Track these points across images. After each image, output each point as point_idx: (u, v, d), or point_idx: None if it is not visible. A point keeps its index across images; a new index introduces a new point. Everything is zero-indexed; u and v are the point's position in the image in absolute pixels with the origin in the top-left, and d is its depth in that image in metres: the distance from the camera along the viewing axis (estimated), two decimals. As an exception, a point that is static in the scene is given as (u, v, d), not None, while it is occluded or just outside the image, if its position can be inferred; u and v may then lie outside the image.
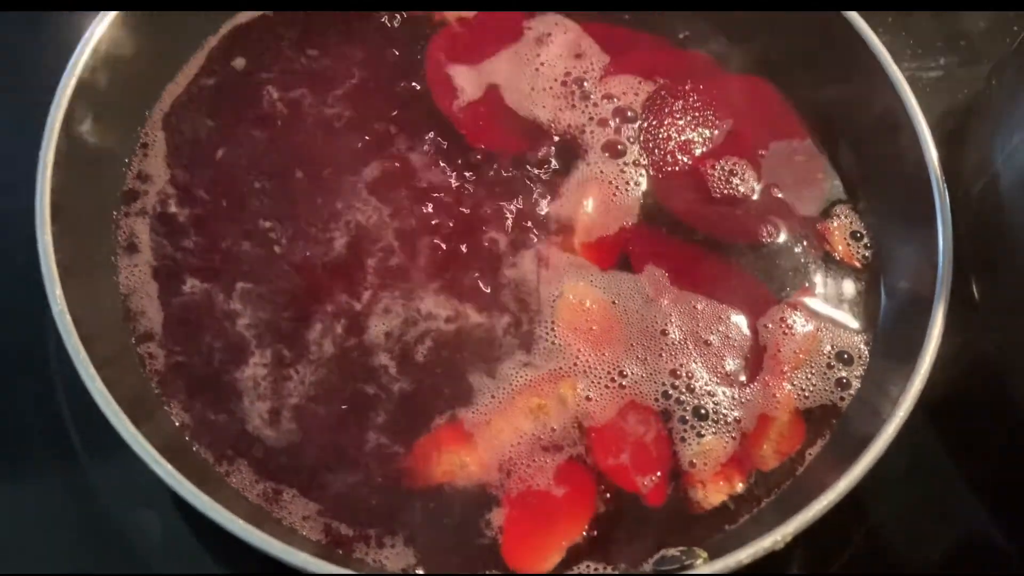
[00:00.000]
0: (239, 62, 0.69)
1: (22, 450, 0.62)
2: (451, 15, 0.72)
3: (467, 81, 0.69)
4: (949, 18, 0.81)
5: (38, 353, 0.63)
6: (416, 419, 0.58)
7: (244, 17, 0.70)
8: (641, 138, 0.68)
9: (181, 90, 0.67)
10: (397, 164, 0.66)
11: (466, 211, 0.64)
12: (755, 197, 0.67)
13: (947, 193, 0.60)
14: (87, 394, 0.52)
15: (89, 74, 0.60)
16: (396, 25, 0.71)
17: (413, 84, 0.69)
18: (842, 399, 0.61)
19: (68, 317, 0.53)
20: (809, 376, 0.61)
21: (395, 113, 0.68)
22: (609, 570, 0.54)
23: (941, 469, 0.66)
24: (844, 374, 0.61)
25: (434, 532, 0.55)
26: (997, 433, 0.66)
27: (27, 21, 0.74)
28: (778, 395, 0.60)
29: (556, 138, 0.67)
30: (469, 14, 0.72)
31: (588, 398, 0.59)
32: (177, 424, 0.57)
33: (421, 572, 0.54)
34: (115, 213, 0.63)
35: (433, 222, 0.64)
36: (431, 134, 0.67)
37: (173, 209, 0.63)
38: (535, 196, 0.65)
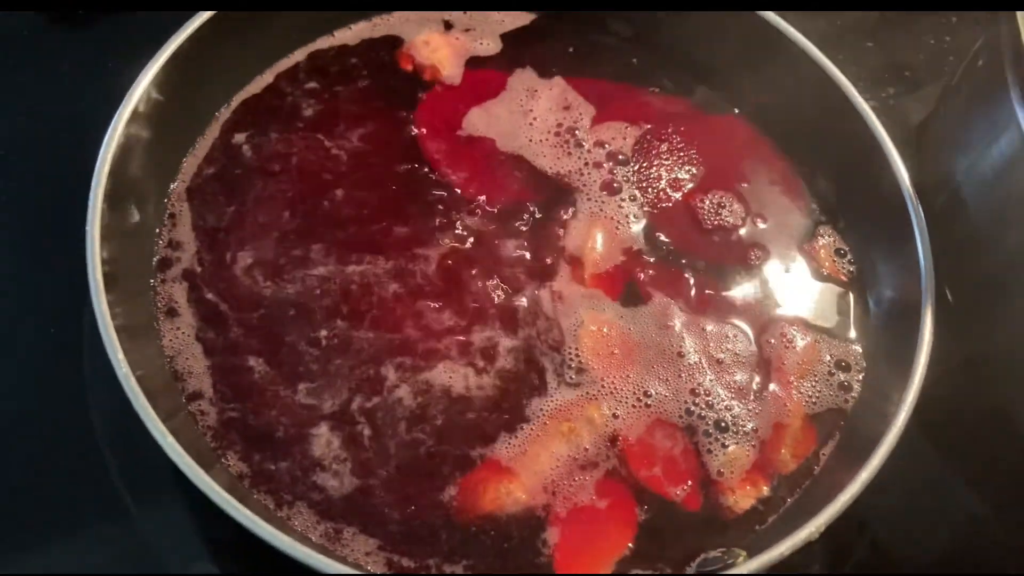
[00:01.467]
0: (241, 137, 0.73)
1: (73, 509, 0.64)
2: (438, 76, 0.77)
3: (461, 139, 0.74)
4: (893, 52, 0.89)
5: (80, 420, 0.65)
6: (460, 456, 0.62)
7: (254, 88, 0.75)
8: (634, 178, 0.73)
9: (200, 162, 0.71)
10: (405, 229, 0.70)
11: (484, 259, 0.69)
12: (744, 225, 0.73)
13: (921, 208, 0.66)
14: (138, 454, 0.54)
15: (120, 155, 0.63)
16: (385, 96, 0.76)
17: (409, 151, 0.73)
18: (846, 402, 0.66)
19: (132, 379, 0.55)
20: (814, 384, 0.66)
21: (399, 171, 0.72)
22: (661, 569, 0.59)
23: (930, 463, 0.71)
24: (845, 379, 0.67)
25: (491, 557, 0.59)
26: (983, 431, 0.71)
27: (63, 118, 0.78)
28: (788, 404, 0.65)
29: (557, 183, 0.72)
30: (455, 77, 0.77)
31: (616, 415, 0.63)
32: (235, 474, 0.60)
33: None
34: (152, 281, 0.66)
35: (456, 274, 0.68)
36: (437, 194, 0.72)
37: (204, 273, 0.67)
38: (544, 237, 0.70)
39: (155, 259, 0.67)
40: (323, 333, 0.65)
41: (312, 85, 0.76)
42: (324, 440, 0.61)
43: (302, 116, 0.74)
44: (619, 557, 0.59)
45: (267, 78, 0.76)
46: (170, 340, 0.64)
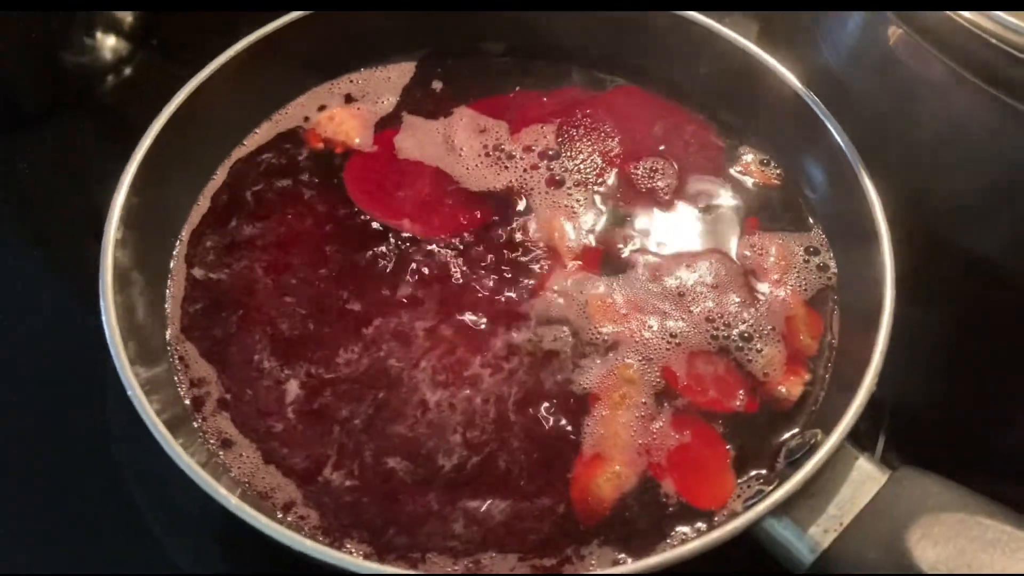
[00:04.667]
0: (201, 271, 0.74)
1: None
2: (352, 146, 0.81)
3: (400, 192, 0.79)
4: None
5: None
6: (552, 467, 0.66)
7: (195, 219, 0.76)
8: (570, 166, 0.80)
9: (180, 302, 0.72)
10: (387, 291, 0.73)
11: (474, 286, 0.73)
12: (678, 174, 0.80)
13: (815, 96, 0.76)
14: None
15: (122, 324, 0.65)
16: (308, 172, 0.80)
17: (358, 218, 0.77)
18: (829, 279, 0.74)
19: (232, 498, 0.57)
20: (797, 274, 0.75)
21: (358, 238, 0.76)
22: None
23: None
24: (819, 261, 0.75)
25: (633, 534, 0.64)
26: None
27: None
28: (786, 297, 0.73)
29: (507, 195, 0.78)
30: (367, 143, 0.81)
31: (655, 362, 0.70)
32: (363, 553, 0.62)
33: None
34: (195, 423, 0.67)
35: (456, 306, 0.72)
36: (404, 247, 0.75)
37: (235, 397, 0.68)
38: (517, 245, 0.75)
39: (187, 402, 0.68)
40: (367, 409, 0.68)
41: (245, 196, 0.78)
42: (436, 497, 0.64)
43: (247, 230, 0.76)
44: (729, 471, 0.65)
45: (203, 206, 0.77)
46: (239, 468, 0.65)
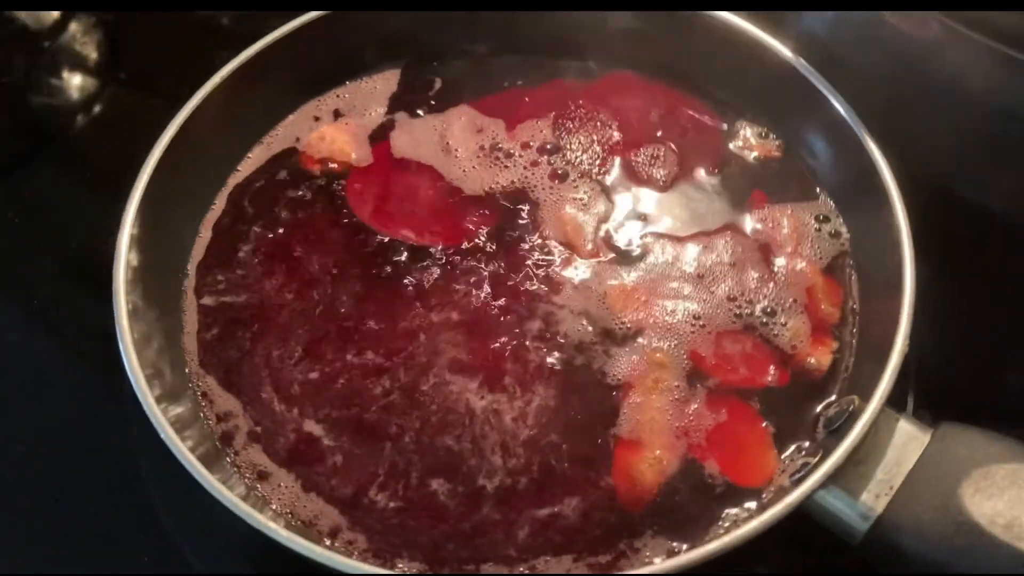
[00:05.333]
0: (211, 300, 0.73)
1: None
2: (348, 164, 0.80)
3: (403, 204, 0.78)
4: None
5: None
6: (595, 459, 0.65)
7: (199, 251, 0.75)
8: (572, 159, 0.79)
9: (196, 336, 0.71)
10: (404, 305, 0.72)
11: (495, 292, 0.72)
12: (680, 155, 0.80)
13: (808, 63, 0.76)
14: None
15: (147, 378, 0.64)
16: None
17: (368, 235, 0.76)
18: (843, 244, 0.74)
19: (282, 531, 0.57)
20: (811, 243, 0.74)
21: (370, 258, 0.75)
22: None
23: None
24: (831, 227, 0.75)
25: (682, 519, 0.63)
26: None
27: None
28: (803, 268, 0.73)
29: (511, 194, 0.77)
30: (365, 157, 0.80)
31: (682, 346, 0.69)
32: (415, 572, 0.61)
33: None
34: (228, 458, 0.66)
35: (481, 315, 0.72)
36: (418, 261, 0.75)
37: (264, 428, 0.67)
38: (530, 244, 0.75)
39: (216, 439, 0.67)
40: (404, 428, 0.67)
41: (248, 223, 0.77)
42: (483, 508, 0.64)
43: (254, 256, 0.75)
44: (770, 446, 0.65)
45: (205, 237, 0.76)
46: (279, 499, 0.64)
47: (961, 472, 0.58)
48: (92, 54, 1.03)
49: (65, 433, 0.74)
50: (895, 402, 0.63)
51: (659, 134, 0.81)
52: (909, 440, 0.61)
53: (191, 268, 0.74)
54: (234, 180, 0.79)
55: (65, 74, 1.02)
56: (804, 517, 0.60)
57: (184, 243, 0.75)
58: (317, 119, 0.82)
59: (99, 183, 0.91)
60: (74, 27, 1.03)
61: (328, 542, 0.62)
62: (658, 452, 0.65)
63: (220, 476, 0.60)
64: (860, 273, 0.73)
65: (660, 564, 0.59)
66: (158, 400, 0.62)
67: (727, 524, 0.63)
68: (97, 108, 0.98)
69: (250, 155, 0.80)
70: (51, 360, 0.79)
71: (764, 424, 0.66)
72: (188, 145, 0.74)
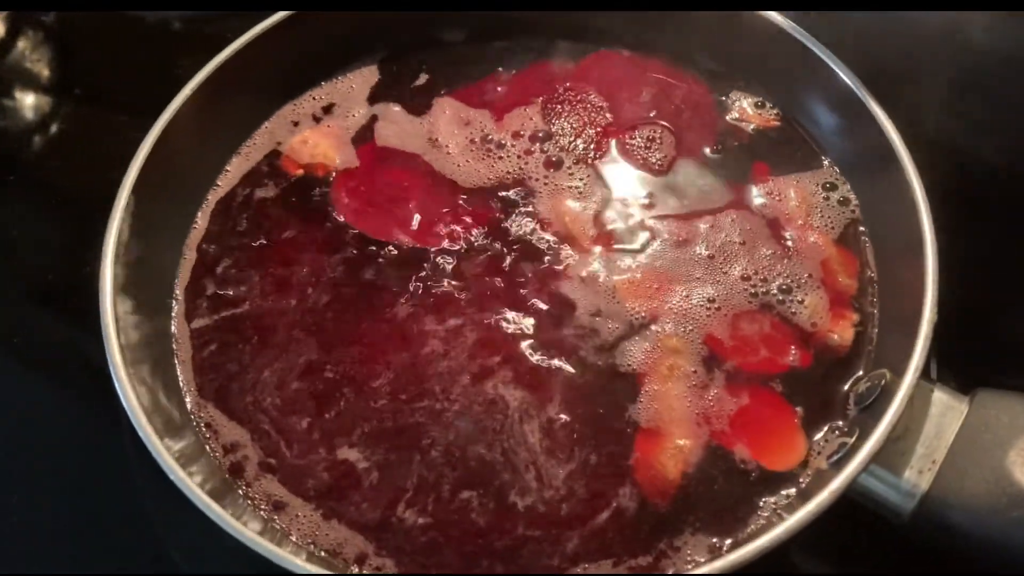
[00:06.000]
0: (203, 321, 0.69)
1: None
2: (332, 167, 0.76)
3: (394, 204, 0.74)
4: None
5: None
6: (618, 456, 0.63)
7: (185, 275, 0.71)
8: (565, 145, 0.76)
9: (191, 366, 0.67)
10: (404, 310, 0.69)
11: (497, 290, 0.70)
12: (675, 132, 0.77)
13: (802, 28, 0.73)
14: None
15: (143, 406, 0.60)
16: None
17: (357, 240, 0.73)
18: (853, 211, 0.72)
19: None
20: (820, 214, 0.72)
21: (365, 262, 0.71)
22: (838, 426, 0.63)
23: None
24: (839, 195, 0.73)
25: (716, 508, 0.61)
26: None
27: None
28: (815, 240, 0.71)
29: (506, 185, 0.74)
30: (350, 160, 0.76)
31: (697, 330, 0.67)
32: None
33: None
34: (239, 492, 0.62)
35: (488, 313, 0.69)
36: (415, 261, 0.72)
37: (273, 456, 0.64)
38: (529, 238, 0.72)
39: (225, 471, 0.63)
40: (439, 437, 0.64)
41: (233, 239, 0.73)
42: (511, 520, 0.61)
43: (241, 277, 0.71)
44: (798, 428, 0.63)
45: (190, 258, 0.72)
46: (297, 529, 0.61)
47: (1006, 440, 0.56)
48: (44, 71, 0.98)
49: (63, 477, 0.70)
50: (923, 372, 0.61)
51: (652, 113, 0.78)
52: (946, 410, 0.59)
53: (179, 292, 0.70)
54: (214, 196, 0.75)
55: (17, 94, 0.97)
56: (845, 499, 0.58)
57: (169, 268, 0.71)
58: (296, 124, 0.78)
59: (66, 208, 0.87)
60: (22, 44, 0.99)
61: (356, 569, 0.59)
62: (679, 441, 0.63)
63: (233, 511, 0.57)
64: (874, 240, 0.71)
65: (711, 565, 0.56)
66: (160, 436, 0.58)
67: (767, 513, 0.60)
68: (54, 128, 0.94)
69: (228, 168, 0.76)
70: (42, 403, 0.75)
71: (791, 405, 0.64)
72: (163, 164, 0.70)
